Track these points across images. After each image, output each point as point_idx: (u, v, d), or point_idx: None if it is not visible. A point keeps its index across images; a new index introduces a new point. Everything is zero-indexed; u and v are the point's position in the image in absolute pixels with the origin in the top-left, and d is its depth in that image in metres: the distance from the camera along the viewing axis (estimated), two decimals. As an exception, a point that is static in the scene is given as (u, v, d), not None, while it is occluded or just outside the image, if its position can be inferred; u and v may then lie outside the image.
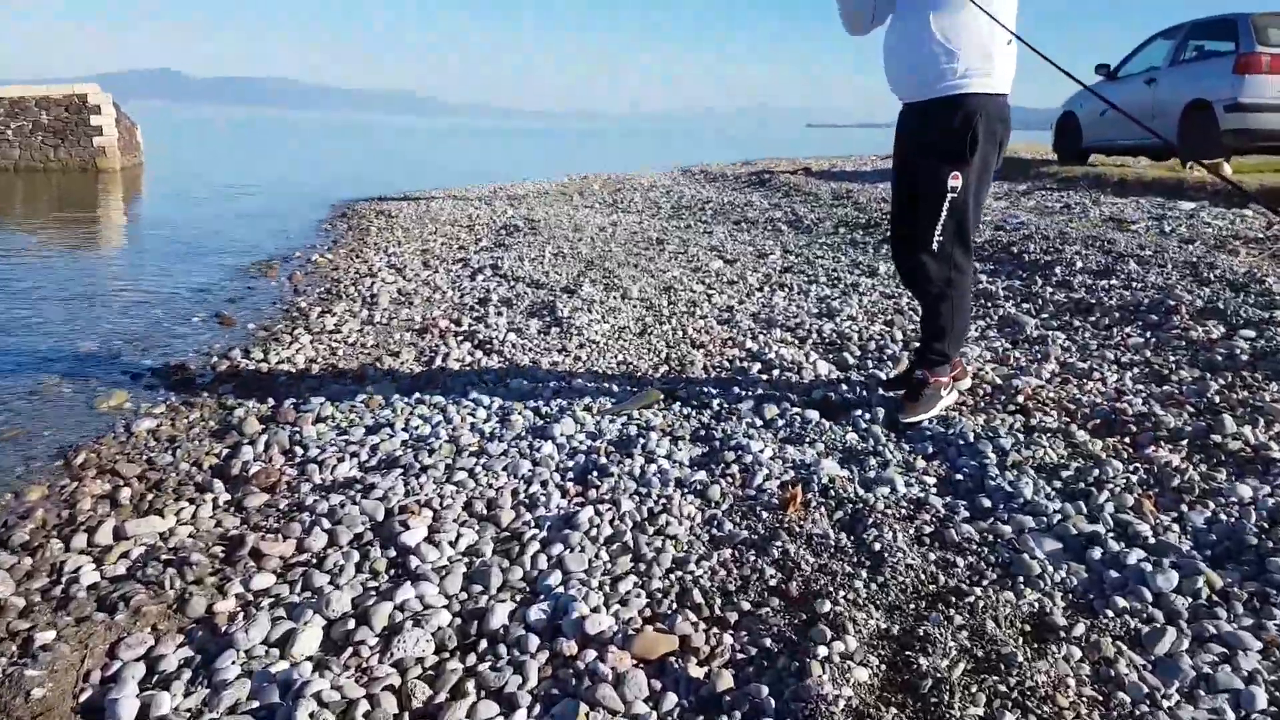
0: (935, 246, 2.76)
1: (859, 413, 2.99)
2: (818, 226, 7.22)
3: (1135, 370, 3.19)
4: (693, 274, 5.83)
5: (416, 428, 3.20)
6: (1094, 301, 4.01)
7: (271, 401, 3.62)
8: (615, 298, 5.19)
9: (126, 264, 7.65)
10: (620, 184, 13.58)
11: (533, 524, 2.40)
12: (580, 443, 2.93)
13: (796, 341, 4.06)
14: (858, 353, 3.77)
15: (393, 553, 2.29)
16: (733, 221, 8.20)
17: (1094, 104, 10.08)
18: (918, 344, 3.04)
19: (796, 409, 3.07)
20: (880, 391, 3.18)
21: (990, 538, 2.12)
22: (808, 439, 2.81)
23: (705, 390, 3.39)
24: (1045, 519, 2.19)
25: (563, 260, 6.57)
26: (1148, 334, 3.57)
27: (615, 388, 3.55)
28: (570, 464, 2.76)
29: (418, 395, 3.57)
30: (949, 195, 2.70)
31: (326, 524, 2.48)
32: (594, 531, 2.29)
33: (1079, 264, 4.71)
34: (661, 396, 3.32)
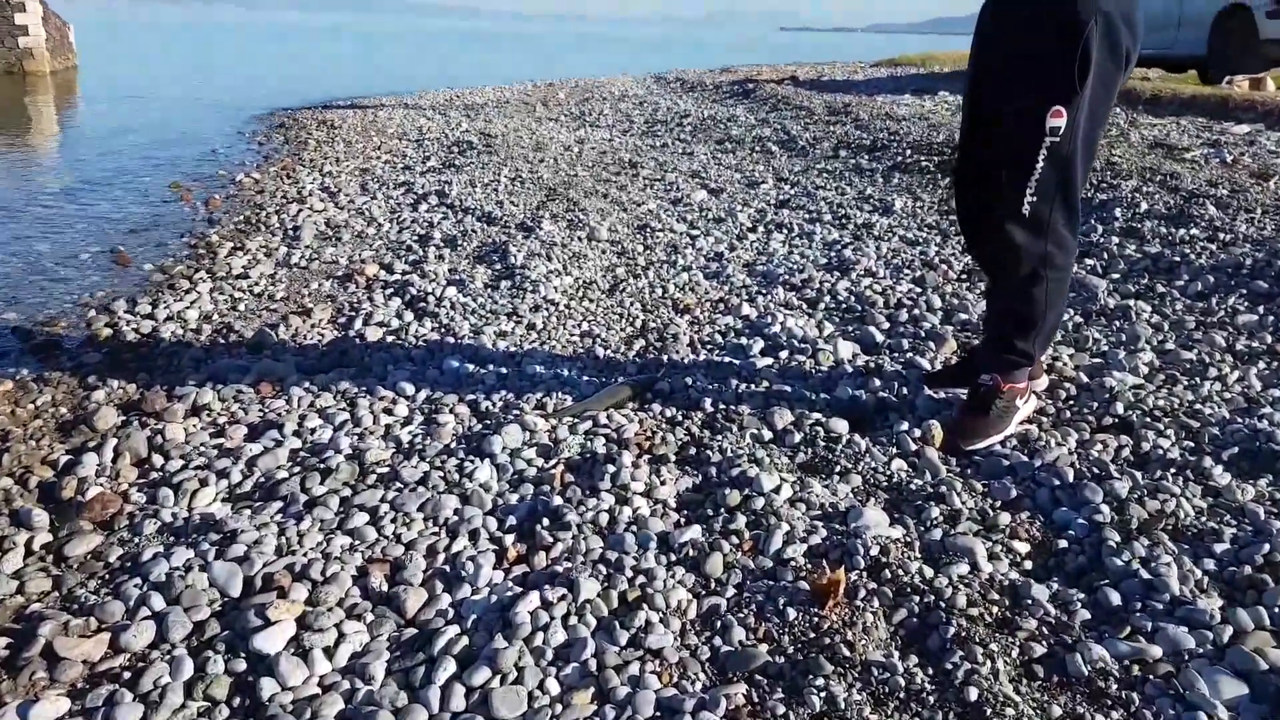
0: (1027, 210, 1.96)
1: (901, 424, 2.24)
2: (814, 148, 6.30)
3: (1260, 364, 2.45)
4: (671, 207, 4.97)
5: (313, 431, 2.41)
6: (1177, 259, 3.22)
7: (144, 379, 2.81)
8: (580, 238, 4.34)
9: (22, 183, 6.58)
10: (588, 93, 12.42)
11: (450, 613, 1.65)
12: (528, 465, 2.16)
13: (804, 305, 3.26)
14: (884, 323, 2.99)
15: (241, 664, 1.54)
16: (715, 141, 7.24)
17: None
18: (986, 335, 2.27)
19: (818, 415, 2.31)
20: (926, 390, 2.42)
21: (1137, 671, 1.41)
22: (837, 467, 2.06)
23: (693, 381, 2.61)
24: (1209, 633, 1.47)
25: (520, 187, 5.65)
26: (1261, 308, 2.82)
27: (577, 372, 2.76)
28: (513, 502, 2.00)
29: (323, 378, 2.76)
30: (1048, 139, 1.89)
31: (159, 602, 1.71)
32: (539, 639, 1.54)
33: (1143, 205, 3.89)
34: (635, 393, 2.54)
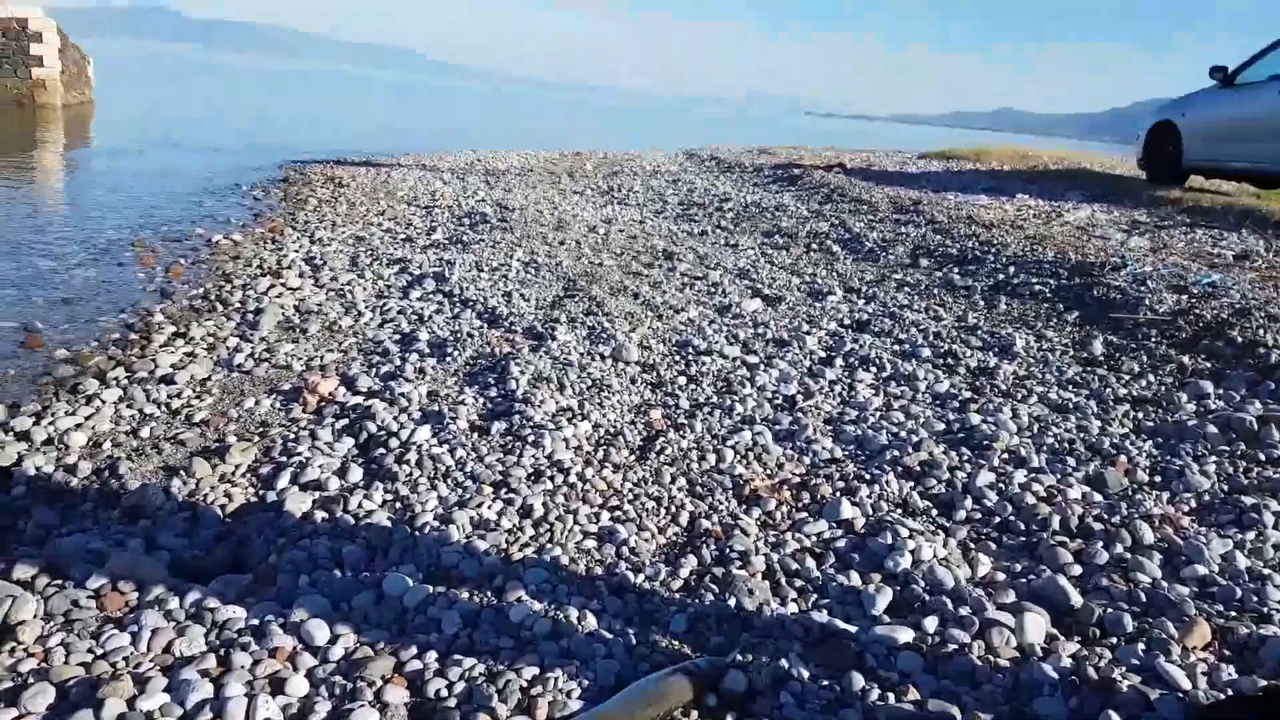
0: None
1: None
2: (885, 252, 5.31)
3: None
4: (718, 318, 3.97)
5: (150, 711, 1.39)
6: None
7: None
8: (603, 357, 3.33)
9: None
10: (617, 166, 11.63)
11: None
12: None
13: (934, 510, 2.21)
14: (1073, 565, 1.92)
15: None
16: (763, 232, 6.28)
17: (1203, 113, 8.21)
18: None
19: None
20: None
21: None
22: None
23: (789, 667, 1.55)
24: None
25: (535, 275, 4.68)
26: None
27: (592, 617, 1.71)
28: None
29: (199, 593, 1.74)
30: None
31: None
32: None
33: None
34: (691, 693, 1.48)
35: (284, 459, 2.41)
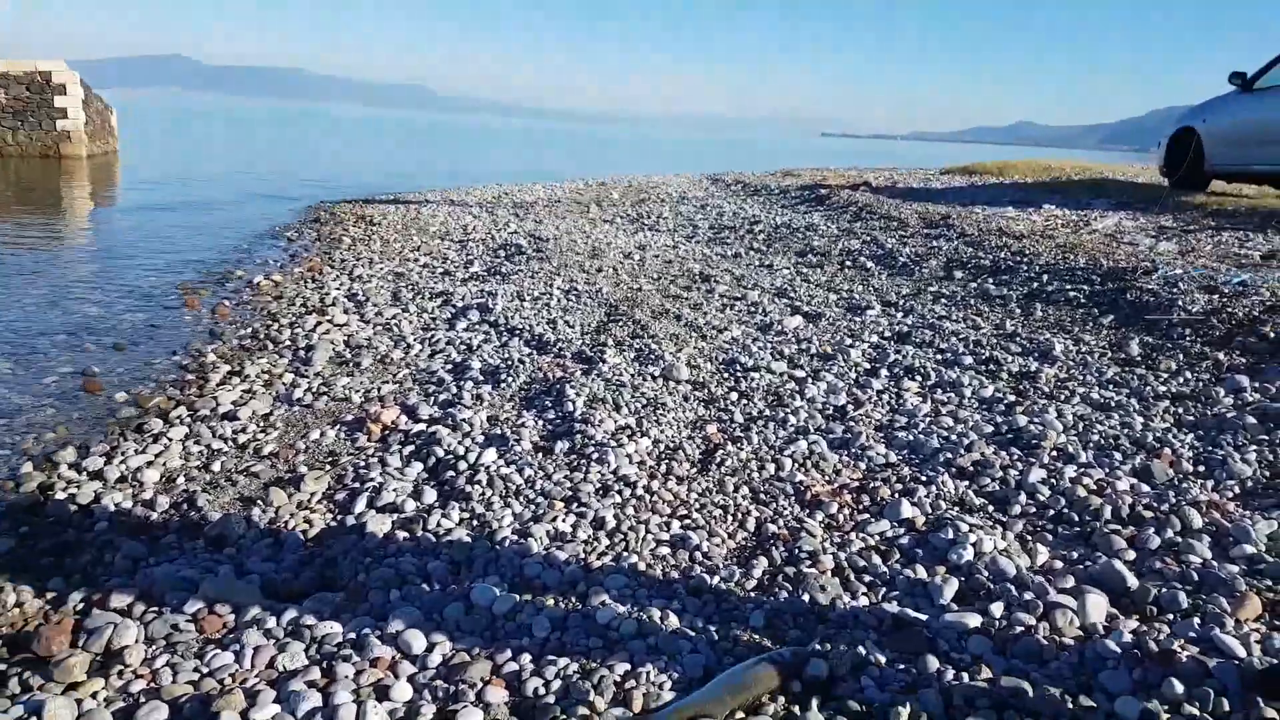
0: None
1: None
2: (919, 266, 5.40)
3: None
4: (761, 336, 4.07)
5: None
6: None
7: (58, 586, 1.97)
8: (654, 376, 3.44)
9: (19, 278, 5.93)
10: (643, 193, 11.82)
11: None
12: None
13: (991, 507, 2.29)
14: (1128, 550, 1.99)
15: None
16: (795, 252, 6.40)
17: (1224, 118, 8.24)
18: None
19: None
20: (1263, 705, 1.42)
21: None
22: None
23: (866, 654, 1.64)
24: None
25: (576, 302, 4.82)
26: None
27: (675, 615, 1.80)
28: None
29: (295, 611, 1.85)
30: None
31: None
32: None
33: None
34: (776, 680, 1.57)
35: (357, 485, 2.54)
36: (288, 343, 4.16)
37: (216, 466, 2.72)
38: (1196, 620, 1.73)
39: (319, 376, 3.62)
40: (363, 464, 2.69)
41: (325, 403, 3.30)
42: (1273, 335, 3.40)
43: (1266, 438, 2.62)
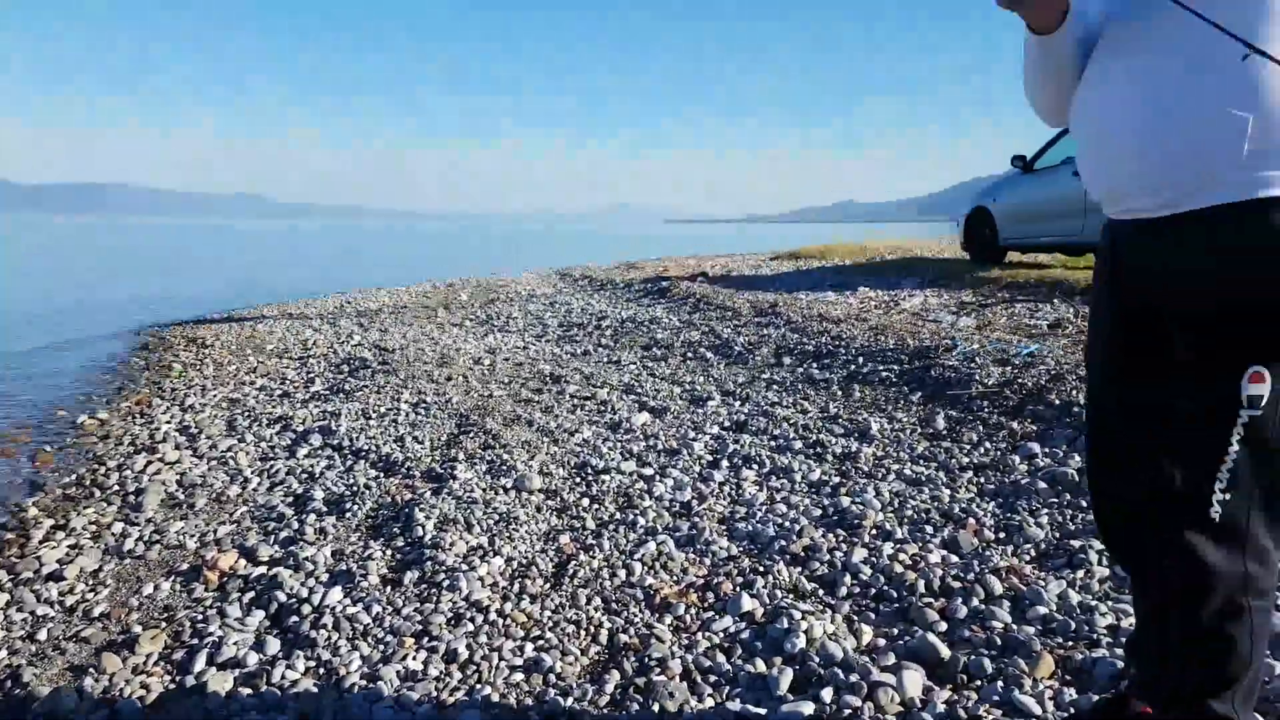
0: (1215, 513, 1.29)
1: None
2: (752, 354, 5.76)
3: None
4: (610, 435, 4.20)
5: None
6: None
7: None
8: (506, 489, 3.48)
9: None
10: (493, 292, 11.94)
11: None
12: None
13: (820, 591, 2.46)
14: (939, 622, 2.20)
15: None
16: (641, 346, 6.66)
17: (1011, 197, 9.37)
18: (1157, 688, 1.50)
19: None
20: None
21: None
22: None
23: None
24: None
25: (426, 416, 4.80)
26: None
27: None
28: None
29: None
30: (1243, 414, 1.25)
31: None
32: None
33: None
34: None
35: (196, 641, 2.41)
36: (116, 487, 3.90)
37: (43, 635, 2.51)
38: (1000, 684, 1.93)
39: (150, 523, 3.42)
40: (200, 617, 2.56)
41: (158, 552, 3.12)
42: (1058, 402, 3.87)
43: (1056, 500, 2.97)
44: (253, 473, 3.97)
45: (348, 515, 3.32)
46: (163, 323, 10.27)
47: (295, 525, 3.24)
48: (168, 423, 5.02)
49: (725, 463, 3.65)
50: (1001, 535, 2.74)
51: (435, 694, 2.06)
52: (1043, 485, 3.06)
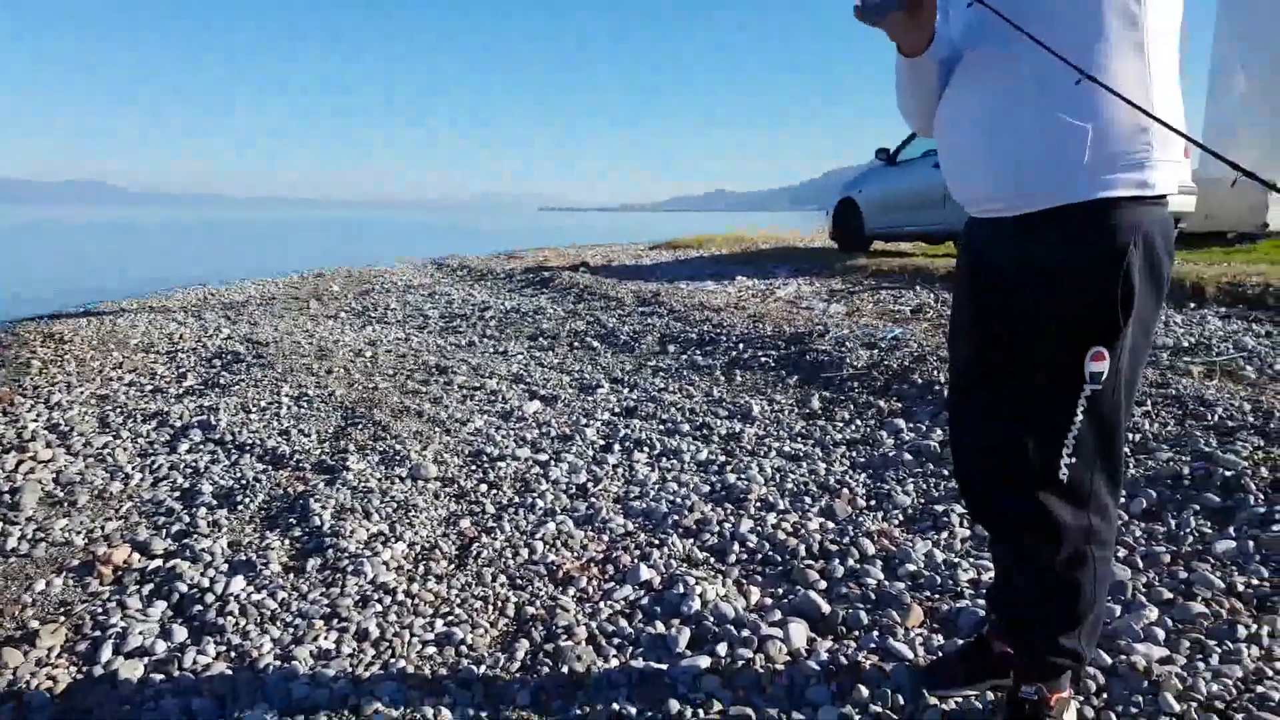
0: (1064, 475, 1.54)
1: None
2: (638, 343, 5.97)
3: None
4: (503, 424, 4.30)
5: None
6: (1169, 500, 2.80)
7: None
8: (401, 478, 3.53)
9: None
10: (367, 283, 11.64)
11: None
12: None
13: (712, 559, 2.68)
14: (820, 581, 2.47)
15: None
16: (528, 336, 6.75)
17: (875, 189, 9.92)
18: (1013, 629, 1.77)
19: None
20: (930, 698, 1.87)
21: None
22: None
23: (618, 710, 1.89)
24: None
25: (309, 409, 4.74)
26: (1232, 530, 2.60)
27: (450, 715, 1.93)
28: None
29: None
30: (1087, 388, 1.50)
31: None
32: None
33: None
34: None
35: (99, 633, 2.38)
36: (-15, 490, 3.68)
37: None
38: (875, 633, 2.19)
39: (32, 521, 3.27)
40: (100, 610, 2.52)
41: (45, 549, 3.00)
42: (920, 381, 4.26)
43: (921, 470, 3.31)
44: (134, 469, 3.83)
45: (239, 508, 3.29)
46: (12, 319, 9.49)
47: (186, 519, 3.19)
48: (35, 421, 4.73)
49: (617, 446, 3.83)
50: (873, 503, 3.05)
51: (350, 669, 2.14)
52: (908, 457, 3.40)
